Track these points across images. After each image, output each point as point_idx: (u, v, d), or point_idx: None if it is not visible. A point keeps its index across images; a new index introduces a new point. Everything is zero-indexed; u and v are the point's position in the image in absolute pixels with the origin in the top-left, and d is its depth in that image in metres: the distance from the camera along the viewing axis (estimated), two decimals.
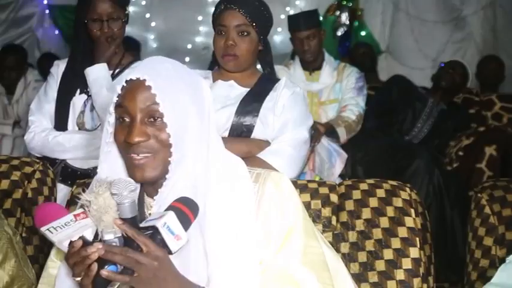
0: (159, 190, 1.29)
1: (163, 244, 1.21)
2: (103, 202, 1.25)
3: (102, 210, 1.25)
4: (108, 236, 1.23)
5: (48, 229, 1.26)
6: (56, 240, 1.27)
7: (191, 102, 1.29)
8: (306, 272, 1.33)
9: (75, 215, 1.28)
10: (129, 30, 2.65)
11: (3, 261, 1.61)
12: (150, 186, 1.34)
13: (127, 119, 1.28)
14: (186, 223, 1.23)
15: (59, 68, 2.58)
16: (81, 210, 1.29)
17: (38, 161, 2.17)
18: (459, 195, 3.75)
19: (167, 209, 1.24)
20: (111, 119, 1.31)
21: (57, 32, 6.50)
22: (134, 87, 1.26)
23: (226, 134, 2.20)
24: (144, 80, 1.25)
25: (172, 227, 1.21)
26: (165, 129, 1.26)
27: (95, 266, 1.19)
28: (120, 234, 1.24)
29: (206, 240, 1.28)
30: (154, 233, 1.21)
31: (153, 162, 1.28)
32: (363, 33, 6.47)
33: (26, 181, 2.09)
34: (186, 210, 1.24)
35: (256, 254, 1.31)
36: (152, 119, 1.26)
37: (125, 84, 1.28)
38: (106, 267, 1.19)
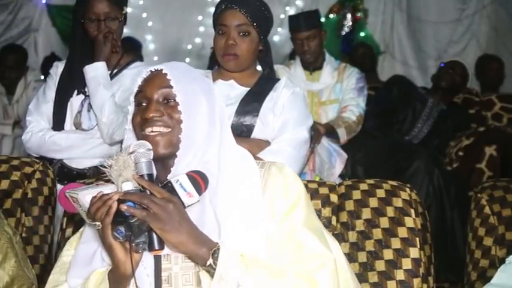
0: (171, 169, 1.39)
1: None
2: (122, 162, 1.36)
3: (121, 168, 1.35)
4: (126, 186, 1.34)
5: (72, 190, 1.39)
6: (79, 194, 1.37)
7: (202, 96, 1.44)
8: (308, 233, 1.41)
9: (97, 184, 1.42)
10: (125, 31, 2.65)
11: (3, 261, 1.61)
12: (162, 171, 1.43)
13: (144, 103, 1.43)
14: (197, 188, 1.34)
15: (58, 69, 2.59)
16: (101, 182, 1.44)
17: (38, 161, 2.17)
18: (459, 195, 3.74)
19: None
20: (130, 107, 1.46)
21: (55, 32, 6.49)
22: (153, 75, 1.45)
23: None
24: (162, 69, 1.44)
25: (185, 185, 1.34)
26: (177, 108, 1.40)
27: (114, 204, 1.30)
28: (138, 189, 1.34)
29: (217, 211, 1.38)
30: (169, 191, 1.33)
31: (164, 139, 1.40)
32: (362, 34, 6.46)
33: (26, 181, 2.09)
34: (197, 178, 1.35)
35: (262, 226, 1.40)
36: (166, 101, 1.42)
37: (144, 76, 1.45)
38: (125, 203, 1.29)
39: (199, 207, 1.37)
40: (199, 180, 1.35)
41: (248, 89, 2.27)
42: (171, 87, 1.41)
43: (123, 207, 1.28)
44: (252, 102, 2.23)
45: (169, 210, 1.29)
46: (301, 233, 1.40)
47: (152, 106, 1.40)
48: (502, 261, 1.52)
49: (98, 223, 1.32)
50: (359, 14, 6.47)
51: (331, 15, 6.47)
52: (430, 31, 6.52)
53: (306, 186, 1.82)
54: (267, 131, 2.22)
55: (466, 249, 2.05)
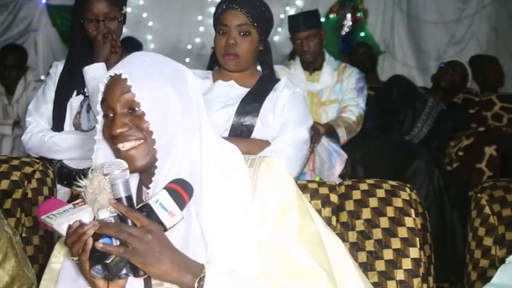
0: (152, 178, 1.32)
1: (158, 221, 1.25)
2: (97, 184, 1.29)
3: (96, 192, 1.28)
4: (103, 215, 1.26)
5: (47, 216, 1.31)
6: (54, 223, 1.30)
7: (172, 91, 1.32)
8: (301, 250, 1.34)
9: (74, 204, 1.34)
10: (125, 31, 2.65)
11: (3, 261, 1.61)
12: (145, 177, 1.37)
13: (111, 114, 1.33)
14: (180, 202, 1.26)
15: (57, 69, 2.59)
16: (80, 200, 1.34)
17: (38, 161, 2.17)
18: (459, 195, 3.74)
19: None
20: (99, 117, 1.36)
21: (55, 32, 6.49)
22: (113, 82, 1.32)
23: (226, 134, 2.21)
24: (121, 74, 1.31)
25: (166, 204, 1.25)
26: (144, 117, 1.30)
27: (90, 241, 1.23)
28: (115, 214, 1.27)
29: (203, 224, 1.30)
30: (149, 212, 1.25)
31: (139, 152, 1.32)
32: (362, 34, 6.46)
33: (26, 181, 2.09)
34: (179, 190, 1.27)
35: (253, 235, 1.33)
36: (132, 110, 1.31)
37: (105, 81, 1.34)
38: (101, 240, 1.22)
39: (184, 222, 1.28)
40: (181, 192, 1.27)
41: (248, 89, 2.27)
42: (134, 94, 1.29)
43: (99, 245, 1.21)
44: (252, 103, 2.23)
45: (147, 241, 1.21)
46: (293, 248, 1.33)
47: (118, 120, 1.30)
48: (502, 261, 1.52)
49: (75, 258, 1.26)
50: (359, 14, 6.48)
51: (331, 15, 6.47)
52: (430, 31, 6.51)
53: (306, 186, 1.82)
54: (267, 131, 2.22)
55: (466, 249, 2.05)
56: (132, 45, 5.19)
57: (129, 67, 1.33)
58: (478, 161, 3.98)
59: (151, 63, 1.35)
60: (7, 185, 2.07)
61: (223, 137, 2.16)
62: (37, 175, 2.12)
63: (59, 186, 2.45)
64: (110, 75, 1.32)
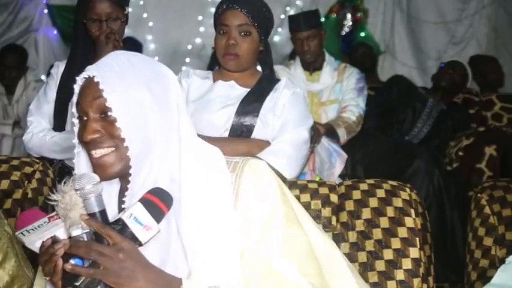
0: (128, 186, 1.28)
1: (132, 236, 1.21)
2: (69, 199, 1.26)
3: (68, 208, 1.25)
4: (75, 232, 1.23)
5: (21, 232, 1.28)
6: (26, 242, 1.28)
7: (147, 92, 1.27)
8: (287, 264, 1.29)
9: (49, 217, 1.30)
10: (126, 31, 2.65)
11: (4, 261, 1.61)
12: (125, 183, 1.32)
13: (84, 117, 1.29)
14: (157, 213, 1.22)
15: (58, 69, 2.59)
16: (55, 213, 1.31)
17: (38, 161, 2.17)
18: (459, 195, 3.74)
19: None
20: (74, 119, 1.32)
21: (56, 32, 6.50)
22: (85, 85, 1.29)
23: (226, 134, 2.21)
24: (94, 76, 1.27)
25: (140, 217, 1.20)
26: (115, 123, 1.26)
27: (60, 262, 1.19)
28: (88, 230, 1.23)
29: (183, 234, 1.26)
30: (123, 227, 1.21)
31: (111, 160, 1.27)
32: (362, 34, 6.47)
33: (26, 181, 2.09)
34: (156, 201, 1.23)
35: (236, 245, 1.29)
36: (104, 115, 1.27)
37: (80, 83, 1.30)
38: (70, 261, 1.19)
39: (162, 232, 1.24)
40: (158, 203, 1.22)
41: (248, 89, 2.27)
42: (106, 98, 1.25)
43: (68, 266, 1.17)
44: (252, 103, 2.24)
45: (119, 260, 1.17)
46: (279, 262, 1.29)
47: (89, 126, 1.26)
48: (502, 261, 1.52)
49: (47, 278, 1.23)
50: (359, 14, 6.48)
51: (331, 15, 6.47)
52: (430, 31, 6.51)
53: (306, 186, 1.82)
54: (267, 131, 2.22)
55: (466, 249, 2.05)
56: (133, 45, 5.19)
57: (103, 68, 1.29)
58: (478, 161, 3.98)
59: (127, 63, 1.30)
60: (7, 185, 2.07)
61: (223, 137, 2.18)
62: (37, 175, 2.12)
63: (59, 186, 2.45)
64: (84, 77, 1.29)
